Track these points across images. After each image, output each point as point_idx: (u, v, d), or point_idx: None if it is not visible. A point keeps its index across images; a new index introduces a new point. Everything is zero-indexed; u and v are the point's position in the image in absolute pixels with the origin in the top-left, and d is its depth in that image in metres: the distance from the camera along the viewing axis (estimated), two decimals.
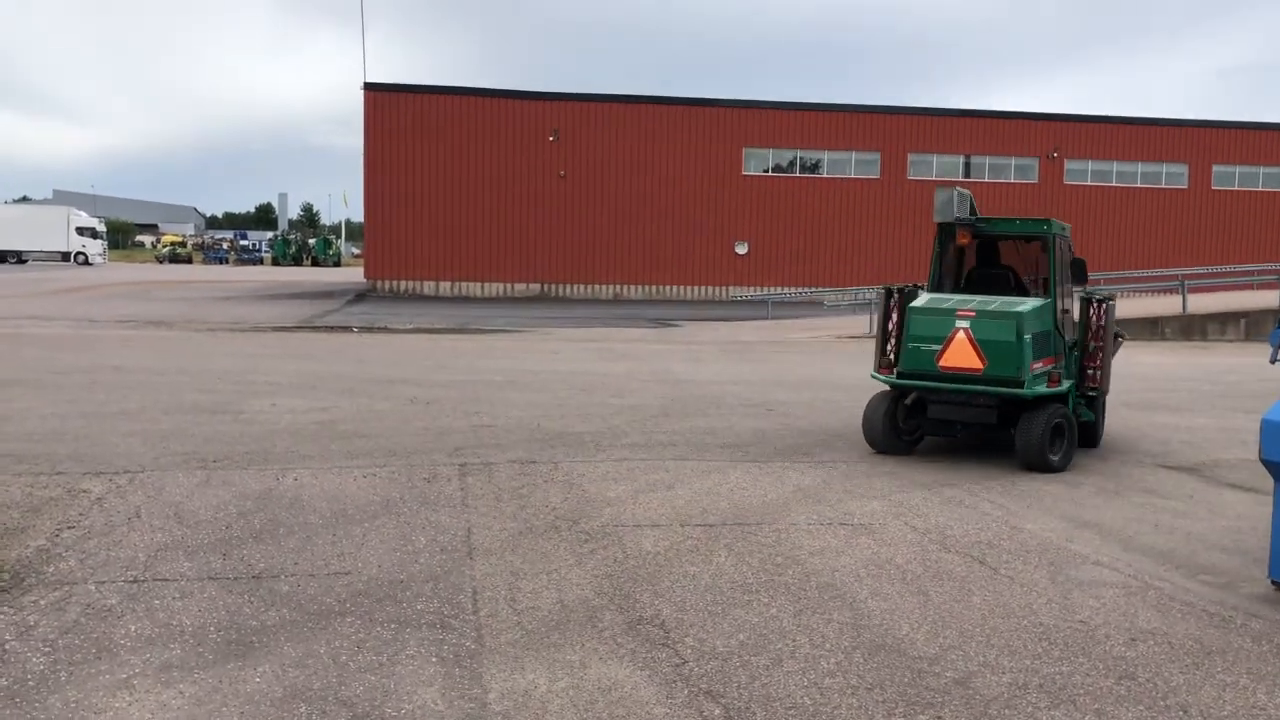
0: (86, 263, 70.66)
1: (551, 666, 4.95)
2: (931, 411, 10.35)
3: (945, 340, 9.90)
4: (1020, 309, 9.91)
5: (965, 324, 9.87)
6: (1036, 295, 10.68)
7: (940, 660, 5.15)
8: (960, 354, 9.85)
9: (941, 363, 9.92)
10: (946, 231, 10.91)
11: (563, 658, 5.06)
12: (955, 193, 10.50)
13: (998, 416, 10.04)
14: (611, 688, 4.74)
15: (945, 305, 10.20)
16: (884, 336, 10.91)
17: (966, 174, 47.65)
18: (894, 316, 10.89)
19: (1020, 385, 9.71)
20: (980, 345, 9.77)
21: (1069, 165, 48.21)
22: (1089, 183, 48.46)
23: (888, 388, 10.59)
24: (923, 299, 10.46)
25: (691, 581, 6.26)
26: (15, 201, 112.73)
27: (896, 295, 10.95)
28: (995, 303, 10.12)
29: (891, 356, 10.73)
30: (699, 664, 5.03)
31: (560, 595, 5.97)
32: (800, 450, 10.59)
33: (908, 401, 10.54)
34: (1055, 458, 9.86)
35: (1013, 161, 48.01)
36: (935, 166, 47.51)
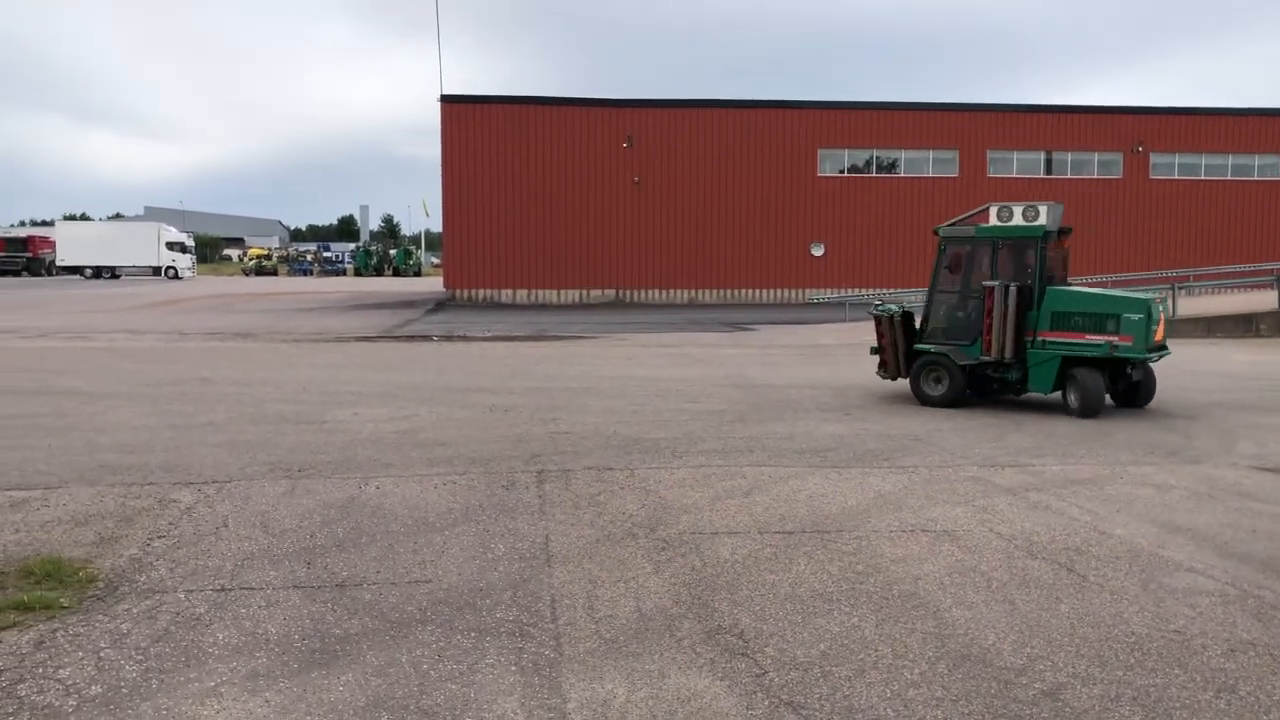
0: (176, 276, 72.78)
1: (630, 676, 4.94)
2: (1133, 375, 13.71)
3: (1158, 322, 13.44)
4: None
5: (1160, 309, 13.83)
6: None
7: (1028, 671, 5.02)
8: (1162, 330, 13.68)
9: (1157, 338, 13.43)
10: (1051, 237, 13.66)
11: (641, 667, 5.04)
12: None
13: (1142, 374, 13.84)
14: (691, 698, 4.70)
15: (1151, 297, 14.23)
16: (1014, 326, 13.53)
17: (1048, 170, 46.69)
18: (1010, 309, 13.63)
19: (1166, 349, 13.94)
20: (1164, 324, 13.85)
21: (1155, 159, 46.93)
22: (1176, 176, 47.13)
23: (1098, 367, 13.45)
24: (1121, 292, 14.68)
25: (771, 590, 6.20)
26: (109, 219, 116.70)
27: (1016, 291, 13.51)
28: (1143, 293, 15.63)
29: (1005, 341, 13.52)
30: (779, 674, 4.97)
31: (638, 603, 5.95)
32: (880, 455, 10.45)
33: (1129, 370, 13.65)
34: None
35: (1096, 157, 46.89)
36: (1015, 163, 46.63)
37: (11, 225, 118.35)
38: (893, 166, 46.83)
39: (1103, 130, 46.63)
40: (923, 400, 14.18)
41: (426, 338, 26.19)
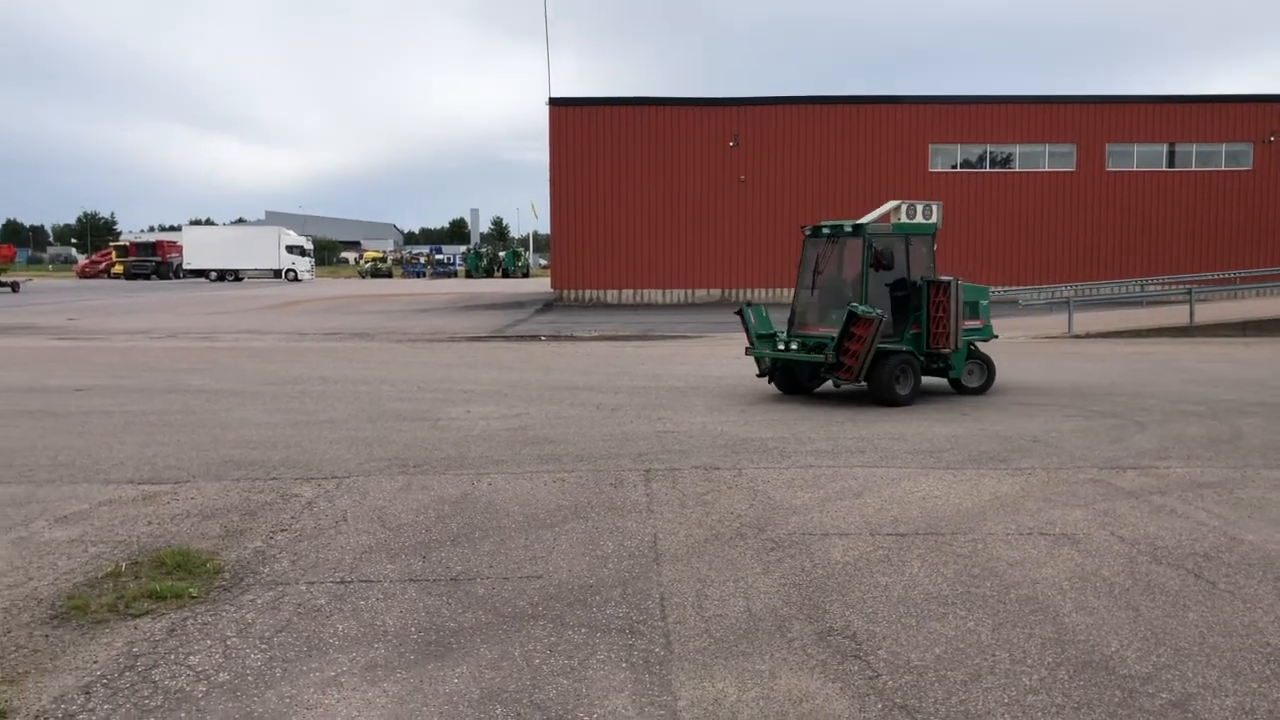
0: (296, 279, 75.06)
1: (741, 675, 4.92)
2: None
3: None
4: None
5: None
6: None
7: (1154, 680, 4.84)
8: None
9: None
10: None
11: (752, 667, 5.02)
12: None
13: None
14: (802, 699, 4.66)
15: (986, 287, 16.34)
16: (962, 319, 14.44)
17: (1170, 163, 44.96)
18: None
19: None
20: None
21: None
22: None
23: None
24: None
25: (883, 592, 6.11)
26: (232, 223, 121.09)
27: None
28: None
29: (959, 333, 14.28)
30: (893, 677, 4.89)
31: (748, 603, 5.92)
32: (996, 457, 10.21)
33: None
34: None
35: (1223, 148, 44.95)
36: (1136, 156, 45.01)
37: (141, 230, 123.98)
38: (1007, 161, 45.67)
39: (1231, 120, 44.67)
40: (893, 401, 13.61)
41: (535, 337, 26.51)
